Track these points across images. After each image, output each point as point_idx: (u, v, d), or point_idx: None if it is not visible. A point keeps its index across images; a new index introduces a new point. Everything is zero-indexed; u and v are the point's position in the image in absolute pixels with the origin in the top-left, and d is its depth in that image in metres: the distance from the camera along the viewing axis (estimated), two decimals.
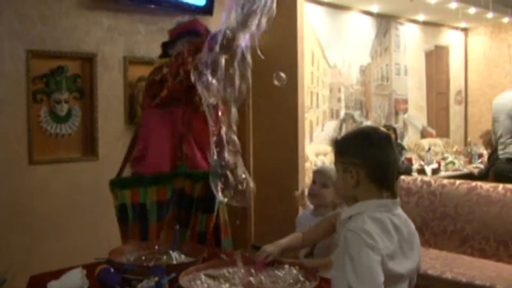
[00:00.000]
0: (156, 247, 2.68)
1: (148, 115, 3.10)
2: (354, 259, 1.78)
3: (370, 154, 1.93)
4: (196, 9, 5.12)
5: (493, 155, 6.92)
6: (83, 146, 4.68)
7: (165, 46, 3.23)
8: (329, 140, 6.05)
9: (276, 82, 3.23)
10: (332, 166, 2.82)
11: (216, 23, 5.26)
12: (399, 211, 1.98)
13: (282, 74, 3.15)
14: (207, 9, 5.17)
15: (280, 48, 5.71)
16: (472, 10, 8.17)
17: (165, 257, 2.54)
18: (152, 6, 4.85)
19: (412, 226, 2.01)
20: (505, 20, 9.17)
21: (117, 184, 3.09)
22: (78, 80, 4.60)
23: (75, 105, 4.59)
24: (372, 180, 1.93)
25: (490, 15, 8.52)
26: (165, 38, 4.99)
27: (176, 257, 2.52)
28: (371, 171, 1.92)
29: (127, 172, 3.20)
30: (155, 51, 4.87)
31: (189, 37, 3.07)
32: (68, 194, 4.50)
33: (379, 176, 1.94)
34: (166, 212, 2.94)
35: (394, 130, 7.24)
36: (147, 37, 4.95)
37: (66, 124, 4.54)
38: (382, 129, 2.09)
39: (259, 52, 5.85)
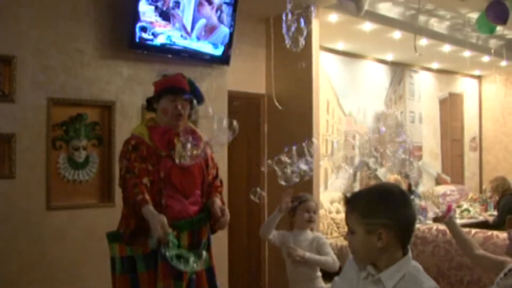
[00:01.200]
0: None
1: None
2: None
3: (400, 215, 1.86)
4: (212, 59, 5.22)
5: (501, 201, 6.90)
6: (100, 192, 4.71)
7: (150, 101, 3.31)
8: (343, 196, 6.06)
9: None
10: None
11: (232, 73, 5.39)
12: (415, 263, 1.93)
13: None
14: (224, 59, 5.27)
15: (296, 96, 5.80)
16: (485, 58, 8.25)
17: None
18: (170, 56, 4.95)
19: None
20: None
21: (109, 237, 3.23)
22: (96, 127, 4.66)
23: (93, 152, 4.65)
24: (399, 240, 1.87)
25: (503, 63, 8.60)
26: None
27: None
28: (401, 231, 1.87)
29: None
30: None
31: (172, 95, 3.16)
32: (85, 241, 4.51)
33: (407, 236, 1.89)
34: (154, 262, 2.99)
35: (408, 177, 7.22)
36: None
37: (84, 170, 4.59)
38: (397, 185, 1.99)
39: (276, 102, 5.98)
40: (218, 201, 3.28)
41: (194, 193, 3.17)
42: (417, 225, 4.50)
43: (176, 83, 3.21)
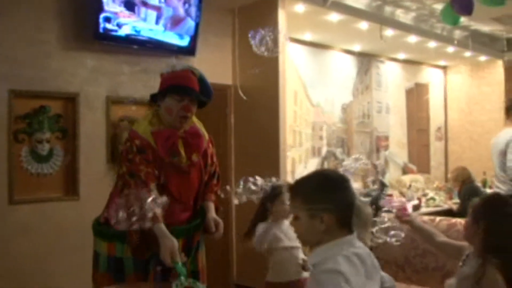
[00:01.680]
0: None
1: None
2: None
3: (340, 198, 2.00)
4: (179, 50, 5.18)
5: (463, 190, 7.00)
6: (64, 186, 4.65)
7: (155, 94, 3.04)
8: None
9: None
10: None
11: (199, 64, 5.34)
12: (360, 243, 2.06)
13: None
14: (190, 50, 5.23)
15: (264, 87, 5.78)
16: (450, 49, 8.33)
17: None
18: (135, 47, 4.89)
19: (372, 254, 2.10)
20: (483, 58, 9.36)
21: (96, 231, 3.05)
22: (60, 120, 4.60)
23: (57, 145, 4.58)
24: (339, 222, 1.99)
25: (468, 54, 8.70)
26: (149, 78, 5.07)
27: None
28: (342, 213, 1.99)
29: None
30: (139, 91, 4.94)
31: (179, 95, 2.90)
32: (50, 235, 4.45)
33: (348, 217, 2.01)
34: (144, 265, 2.89)
35: (375, 167, 7.28)
36: (131, 77, 4.98)
37: (48, 163, 4.52)
38: (334, 170, 2.21)
39: (241, 93, 5.95)
40: (212, 210, 3.15)
41: (188, 199, 3.04)
42: (383, 214, 4.51)
43: (185, 81, 2.95)
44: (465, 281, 2.65)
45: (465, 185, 6.98)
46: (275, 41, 3.00)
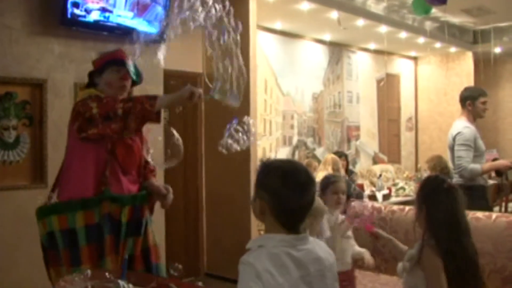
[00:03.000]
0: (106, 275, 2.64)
1: (73, 144, 3.09)
2: None
3: (277, 195, 1.91)
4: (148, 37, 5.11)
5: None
6: (31, 173, 4.59)
7: (91, 75, 3.17)
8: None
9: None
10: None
11: (168, 51, 5.29)
12: (308, 247, 1.95)
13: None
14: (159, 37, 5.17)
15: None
16: (421, 40, 8.40)
17: (112, 285, 2.51)
18: (105, 33, 4.83)
19: (327, 261, 2.00)
20: (452, 50, 9.46)
21: (44, 211, 3.08)
22: (27, 106, 4.53)
23: (24, 132, 4.51)
24: (275, 217, 1.92)
25: (438, 45, 8.78)
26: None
27: (124, 286, 2.49)
28: (274, 210, 1.92)
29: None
30: None
31: (117, 66, 3.08)
32: (15, 223, 4.39)
33: (283, 218, 1.92)
34: (97, 235, 2.92)
35: (346, 156, 7.32)
36: None
37: (14, 151, 4.45)
38: (306, 171, 2.01)
39: (207, 80, 5.91)
40: (157, 182, 3.26)
41: (132, 172, 3.12)
42: (352, 203, 4.44)
43: (119, 55, 3.14)
44: (409, 263, 2.77)
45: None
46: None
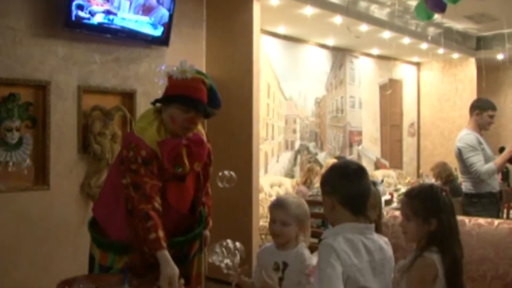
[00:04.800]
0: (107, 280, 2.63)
1: (118, 179, 2.81)
2: (320, 269, 2.09)
3: (340, 185, 2.24)
4: (152, 40, 5.13)
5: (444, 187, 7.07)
6: (34, 175, 4.58)
7: (161, 99, 2.85)
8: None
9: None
10: (290, 197, 2.87)
11: (171, 54, 5.30)
12: (374, 236, 2.26)
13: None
14: (163, 40, 5.19)
15: (237, 80, 5.76)
16: (424, 45, 8.40)
17: None
18: (108, 35, 4.83)
19: (388, 253, 2.28)
20: (455, 56, 9.45)
21: (93, 237, 2.93)
22: (30, 108, 4.52)
23: (26, 133, 4.51)
24: (344, 206, 2.22)
25: (441, 50, 8.78)
26: (121, 67, 5.03)
27: None
28: (342, 199, 2.22)
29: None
30: (110, 81, 4.90)
31: (186, 106, 2.74)
32: (18, 225, 4.38)
33: (351, 204, 2.23)
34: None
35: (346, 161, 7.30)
36: (103, 66, 4.93)
37: (17, 152, 4.45)
38: (356, 163, 2.40)
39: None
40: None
41: (186, 208, 2.93)
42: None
43: (195, 92, 2.77)
44: (399, 273, 2.62)
45: (448, 183, 7.02)
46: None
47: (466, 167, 4.93)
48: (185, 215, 2.94)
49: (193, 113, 2.76)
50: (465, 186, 5.04)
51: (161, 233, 2.58)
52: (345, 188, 2.23)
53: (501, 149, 4.97)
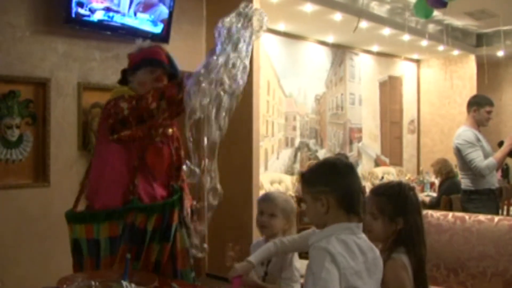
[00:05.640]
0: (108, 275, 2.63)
1: (103, 146, 2.97)
2: (314, 274, 1.92)
3: (337, 182, 2.07)
4: (152, 37, 5.11)
5: (444, 184, 7.07)
6: (34, 172, 4.58)
7: (125, 72, 3.06)
8: (297, 174, 6.10)
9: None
10: (277, 192, 2.89)
11: (172, 51, 5.30)
12: (363, 235, 2.10)
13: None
14: (164, 37, 5.19)
15: None
16: (423, 42, 8.39)
17: (115, 285, 2.51)
18: (108, 33, 4.83)
19: (377, 252, 2.13)
20: (455, 53, 9.45)
21: (71, 218, 3.00)
22: (30, 105, 4.52)
23: (27, 130, 4.51)
24: (340, 206, 2.05)
25: (441, 48, 8.78)
26: (121, 65, 5.00)
27: (127, 285, 2.49)
28: (339, 198, 2.05)
29: (82, 203, 3.13)
30: (110, 78, 4.88)
31: (152, 66, 2.95)
32: (18, 222, 4.39)
33: (346, 202, 2.06)
34: (118, 246, 2.86)
35: (346, 157, 7.32)
36: (102, 63, 4.93)
37: (17, 149, 4.45)
38: (341, 158, 2.20)
39: None
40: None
41: (162, 175, 3.02)
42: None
43: (155, 55, 3.01)
44: None
45: (448, 180, 7.03)
46: None
47: (465, 164, 4.93)
48: (162, 183, 3.02)
49: (159, 72, 2.95)
50: (464, 182, 5.04)
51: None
52: (342, 185, 2.07)
53: (500, 143, 4.98)
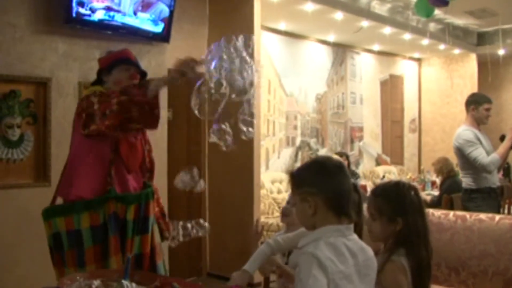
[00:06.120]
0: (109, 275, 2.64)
1: (76, 141, 3.08)
2: (302, 281, 1.86)
3: (325, 183, 2.00)
4: (153, 36, 5.13)
5: (445, 183, 7.06)
6: (35, 171, 4.58)
7: (100, 73, 3.16)
8: (285, 172, 6.09)
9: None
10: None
11: (172, 51, 5.30)
12: (354, 237, 2.03)
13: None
14: (164, 37, 5.19)
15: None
16: (425, 41, 8.39)
17: (115, 284, 2.51)
18: (109, 32, 4.83)
19: (369, 253, 2.05)
20: (456, 51, 9.44)
21: (50, 213, 3.06)
22: (31, 105, 4.52)
23: (27, 130, 4.51)
24: (329, 207, 1.98)
25: (442, 46, 8.77)
26: None
27: (128, 285, 2.49)
28: (327, 199, 1.98)
29: (59, 201, 3.17)
30: None
31: (126, 65, 3.09)
32: (18, 222, 4.39)
33: (335, 204, 1.99)
34: (102, 236, 2.92)
35: (347, 156, 7.33)
36: None
37: (18, 149, 4.45)
38: (335, 157, 2.13)
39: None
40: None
41: (136, 169, 3.11)
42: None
43: (128, 55, 3.16)
44: None
45: (449, 178, 7.03)
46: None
47: (465, 163, 4.93)
48: (136, 175, 3.12)
49: (133, 70, 3.10)
50: (465, 181, 5.03)
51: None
52: (331, 186, 2.00)
53: (502, 137, 4.98)
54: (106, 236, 2.92)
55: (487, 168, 4.81)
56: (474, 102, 5.03)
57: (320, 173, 2.03)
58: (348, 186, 2.04)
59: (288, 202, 3.04)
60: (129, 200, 2.96)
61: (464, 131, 4.96)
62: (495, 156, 4.83)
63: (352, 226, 2.03)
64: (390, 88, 9.82)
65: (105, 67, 3.11)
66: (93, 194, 2.94)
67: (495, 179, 5.01)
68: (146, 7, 4.98)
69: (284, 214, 3.13)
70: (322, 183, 2.00)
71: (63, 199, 3.07)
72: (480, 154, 4.82)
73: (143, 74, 3.19)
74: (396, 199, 2.43)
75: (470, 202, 4.95)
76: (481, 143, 4.90)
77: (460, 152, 4.93)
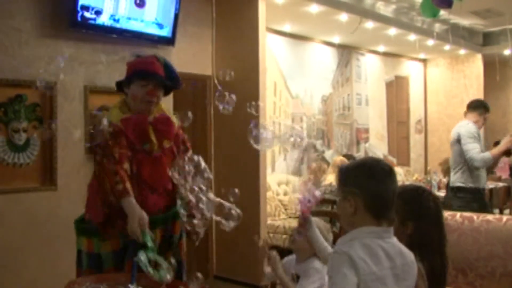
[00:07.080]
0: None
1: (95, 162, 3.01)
2: (332, 278, 1.89)
3: (368, 186, 1.99)
4: (158, 40, 5.13)
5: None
6: (41, 176, 4.59)
7: (121, 84, 3.02)
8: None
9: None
10: (315, 218, 2.83)
11: (178, 54, 5.31)
12: (393, 240, 2.02)
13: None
14: (170, 40, 5.19)
15: (243, 78, 5.75)
16: (430, 42, 8.37)
17: None
18: (114, 36, 4.84)
19: (409, 257, 2.04)
20: (462, 52, 9.42)
21: (76, 228, 3.01)
22: (37, 109, 4.53)
23: (34, 134, 4.52)
24: (368, 210, 1.98)
25: (447, 47, 8.75)
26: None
27: None
28: (367, 202, 1.98)
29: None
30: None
31: (144, 80, 2.91)
32: (25, 225, 4.40)
33: (375, 207, 1.99)
34: (122, 259, 2.86)
35: (354, 159, 7.30)
36: (109, 66, 4.93)
37: (24, 153, 4.46)
38: (385, 162, 2.11)
39: (216, 82, 5.92)
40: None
41: (162, 185, 2.98)
42: None
43: (148, 66, 2.94)
44: None
45: None
46: None
47: (458, 156, 5.08)
48: (161, 194, 3.00)
49: (151, 86, 2.91)
50: (453, 178, 5.18)
51: (128, 185, 2.71)
52: (373, 190, 1.99)
53: (496, 143, 5.11)
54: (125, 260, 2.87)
55: (476, 163, 4.94)
56: (484, 108, 5.24)
57: (365, 175, 2.01)
58: (392, 191, 2.02)
59: (294, 229, 2.99)
60: (155, 223, 2.83)
61: (469, 124, 5.12)
62: (488, 154, 4.97)
63: (391, 229, 2.02)
64: (396, 89, 9.80)
65: (125, 79, 2.99)
66: (100, 219, 2.87)
67: (484, 181, 5.16)
68: (140, 6, 4.93)
69: (291, 240, 3.16)
70: (365, 186, 1.99)
71: (88, 217, 2.99)
72: (475, 148, 4.96)
73: (172, 79, 3.04)
74: (411, 203, 2.41)
75: (454, 200, 5.06)
76: (479, 141, 5.02)
77: (458, 142, 5.05)
